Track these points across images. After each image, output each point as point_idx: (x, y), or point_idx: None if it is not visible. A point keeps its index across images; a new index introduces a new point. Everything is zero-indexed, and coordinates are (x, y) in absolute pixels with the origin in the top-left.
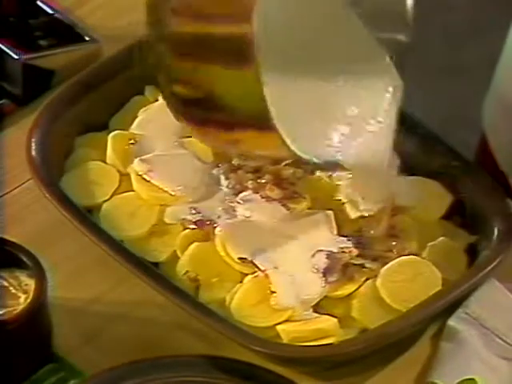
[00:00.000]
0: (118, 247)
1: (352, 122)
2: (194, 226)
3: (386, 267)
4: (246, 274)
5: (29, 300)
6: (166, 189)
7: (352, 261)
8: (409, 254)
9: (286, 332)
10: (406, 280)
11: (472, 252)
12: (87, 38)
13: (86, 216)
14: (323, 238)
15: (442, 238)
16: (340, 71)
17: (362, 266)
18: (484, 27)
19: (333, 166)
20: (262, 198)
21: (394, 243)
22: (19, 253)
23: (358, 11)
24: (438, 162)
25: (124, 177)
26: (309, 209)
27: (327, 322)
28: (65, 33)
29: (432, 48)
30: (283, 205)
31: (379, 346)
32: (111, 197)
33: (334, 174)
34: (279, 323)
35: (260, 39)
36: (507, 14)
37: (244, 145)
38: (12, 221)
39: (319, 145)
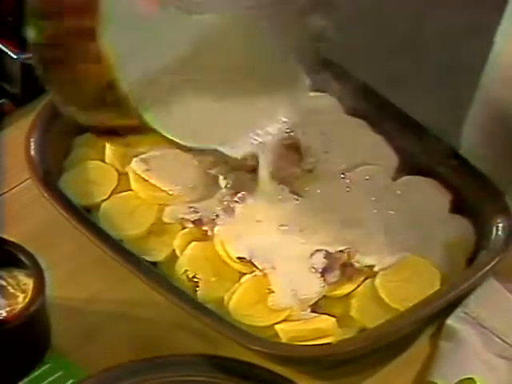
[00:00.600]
0: (117, 246)
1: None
2: (192, 226)
3: (384, 266)
4: (245, 274)
5: (27, 299)
6: (164, 188)
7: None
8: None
9: (285, 331)
10: (404, 279)
11: (471, 251)
12: None
13: (85, 215)
14: (322, 237)
15: (440, 237)
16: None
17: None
18: (483, 27)
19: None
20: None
21: None
22: (18, 252)
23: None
24: (436, 160)
25: (122, 176)
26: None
27: (326, 322)
28: None
29: (432, 47)
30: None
31: (378, 346)
32: (110, 196)
33: None
34: (278, 322)
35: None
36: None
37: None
38: (10, 220)
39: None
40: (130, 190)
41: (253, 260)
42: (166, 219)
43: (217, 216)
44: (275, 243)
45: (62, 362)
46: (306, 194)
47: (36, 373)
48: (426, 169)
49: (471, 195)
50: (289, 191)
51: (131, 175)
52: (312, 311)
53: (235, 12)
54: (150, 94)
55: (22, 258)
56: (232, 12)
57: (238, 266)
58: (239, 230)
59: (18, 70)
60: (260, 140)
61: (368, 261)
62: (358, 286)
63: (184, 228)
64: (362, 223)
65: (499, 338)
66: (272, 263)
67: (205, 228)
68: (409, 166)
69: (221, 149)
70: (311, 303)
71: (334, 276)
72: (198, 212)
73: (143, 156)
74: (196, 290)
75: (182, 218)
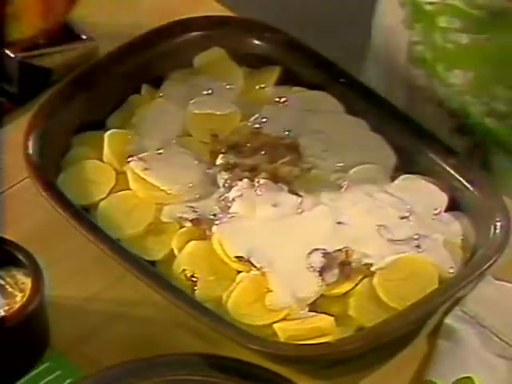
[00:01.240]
0: (115, 246)
1: None
2: (190, 225)
3: (382, 265)
4: (243, 272)
5: (25, 298)
6: (162, 187)
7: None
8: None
9: (283, 330)
10: (402, 278)
11: (469, 250)
12: (84, 37)
13: (83, 214)
14: (320, 236)
15: (438, 236)
16: None
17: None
18: None
19: None
20: (257, 195)
21: None
22: (16, 251)
23: None
24: (434, 160)
25: (121, 175)
26: None
27: (324, 321)
28: (61, 31)
29: None
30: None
31: (376, 345)
32: (108, 195)
33: None
34: (276, 322)
35: None
36: None
37: None
38: (9, 219)
39: None
40: (128, 189)
41: (251, 259)
42: (164, 218)
43: (215, 215)
44: (273, 242)
45: (61, 361)
46: (304, 193)
47: (34, 372)
48: (424, 168)
49: (469, 194)
50: (287, 190)
51: (130, 174)
52: (310, 310)
53: None
54: None
55: (21, 257)
56: None
57: (236, 265)
58: (237, 229)
59: (16, 69)
60: None
61: (366, 260)
62: (356, 284)
63: (182, 227)
64: (360, 222)
65: (498, 337)
66: (270, 262)
67: (203, 227)
68: (407, 165)
69: None
70: (309, 302)
71: (332, 275)
72: (196, 211)
73: (142, 155)
74: (194, 289)
75: (181, 217)
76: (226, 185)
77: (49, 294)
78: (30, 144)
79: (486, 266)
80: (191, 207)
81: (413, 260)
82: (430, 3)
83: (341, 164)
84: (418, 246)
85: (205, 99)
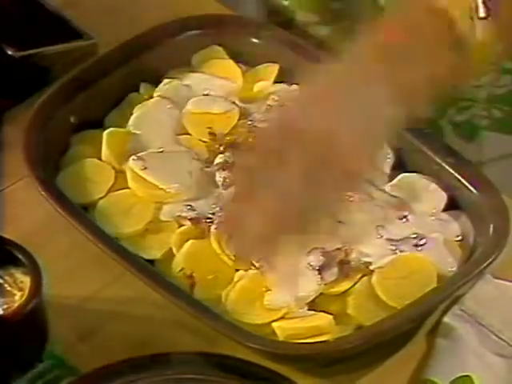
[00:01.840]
0: (114, 244)
1: None
2: (189, 224)
3: (381, 264)
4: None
5: (24, 297)
6: (161, 186)
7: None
8: None
9: (282, 329)
10: (401, 277)
11: (468, 249)
12: (83, 35)
13: (82, 213)
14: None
15: (437, 235)
16: None
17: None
18: None
19: None
20: None
21: None
22: (14, 250)
23: None
24: (432, 158)
25: (119, 174)
26: None
27: (323, 319)
28: (60, 29)
29: None
30: None
31: (375, 343)
32: (107, 194)
33: None
34: (275, 320)
35: None
36: None
37: None
38: (7, 218)
39: None
40: (127, 187)
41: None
42: (162, 217)
43: (214, 214)
44: None
45: (60, 360)
46: None
47: (33, 371)
48: (423, 167)
49: (468, 193)
50: None
51: (128, 173)
52: (309, 309)
53: None
54: None
55: (19, 256)
56: None
57: (235, 264)
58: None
59: (15, 67)
60: None
61: (365, 258)
62: (355, 283)
63: (181, 226)
64: (358, 221)
65: (496, 335)
66: (269, 261)
67: (202, 226)
68: (405, 164)
69: None
70: (308, 301)
71: (331, 274)
72: (195, 210)
73: (140, 154)
74: (193, 288)
75: (179, 216)
76: (225, 184)
77: (47, 292)
78: (29, 142)
79: (484, 265)
80: (190, 206)
81: (412, 259)
82: None
83: None
84: (416, 245)
85: (203, 98)
